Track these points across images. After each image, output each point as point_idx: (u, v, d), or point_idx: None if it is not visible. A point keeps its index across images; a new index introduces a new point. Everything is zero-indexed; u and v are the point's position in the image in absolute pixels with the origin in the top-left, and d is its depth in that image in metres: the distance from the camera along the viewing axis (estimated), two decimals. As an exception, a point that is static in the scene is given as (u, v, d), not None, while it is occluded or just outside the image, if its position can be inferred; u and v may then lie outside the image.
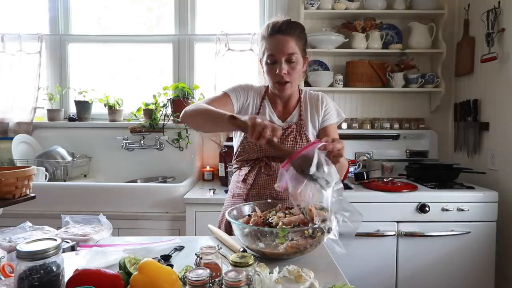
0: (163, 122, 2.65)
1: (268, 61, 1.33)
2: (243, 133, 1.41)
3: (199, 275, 0.71)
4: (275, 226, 1.05)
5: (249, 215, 1.16)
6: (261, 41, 1.38)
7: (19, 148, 2.50)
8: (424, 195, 2.05)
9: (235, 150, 1.48)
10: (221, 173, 2.45)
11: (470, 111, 2.40)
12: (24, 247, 0.71)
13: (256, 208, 1.18)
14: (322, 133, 1.43)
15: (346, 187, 2.17)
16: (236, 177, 1.47)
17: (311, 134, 1.42)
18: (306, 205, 1.01)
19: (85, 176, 2.67)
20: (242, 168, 1.45)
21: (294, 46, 1.32)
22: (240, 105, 1.42)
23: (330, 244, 0.94)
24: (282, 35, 1.31)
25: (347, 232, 0.93)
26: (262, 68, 1.41)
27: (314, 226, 0.99)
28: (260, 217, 1.12)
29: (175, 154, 2.66)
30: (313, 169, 0.94)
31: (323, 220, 0.98)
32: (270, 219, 1.09)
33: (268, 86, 1.46)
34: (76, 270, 0.77)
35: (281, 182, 1.01)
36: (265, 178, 1.37)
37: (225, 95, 1.39)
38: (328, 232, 0.94)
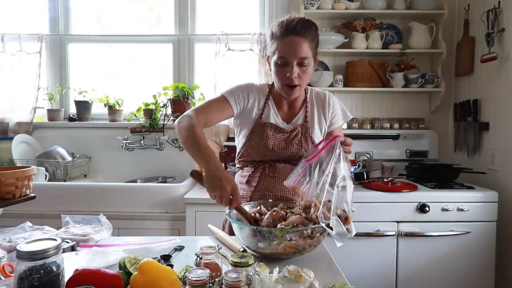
0: (163, 122, 2.65)
1: (279, 62, 1.27)
2: (245, 135, 1.38)
3: (199, 275, 0.71)
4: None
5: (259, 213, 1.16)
6: (271, 39, 1.31)
7: (19, 148, 2.50)
8: (424, 195, 2.05)
9: (237, 149, 1.45)
10: (221, 173, 2.44)
11: (470, 111, 2.40)
12: (24, 247, 0.71)
13: (262, 206, 1.18)
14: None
15: (346, 187, 2.17)
16: (239, 178, 1.43)
17: (317, 136, 1.38)
18: (311, 199, 1.01)
19: (85, 176, 2.67)
20: (244, 168, 1.42)
21: (307, 50, 1.26)
22: (241, 108, 1.36)
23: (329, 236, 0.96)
24: (296, 36, 1.24)
25: (340, 233, 0.94)
26: (269, 66, 1.35)
27: (314, 227, 0.99)
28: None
29: (175, 154, 2.66)
30: (332, 164, 0.99)
31: (326, 217, 0.98)
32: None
33: (271, 85, 1.41)
34: (76, 270, 0.77)
35: (291, 179, 1.03)
36: (269, 180, 1.34)
37: (224, 98, 1.34)
38: (330, 228, 0.95)
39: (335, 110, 1.42)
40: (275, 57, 1.28)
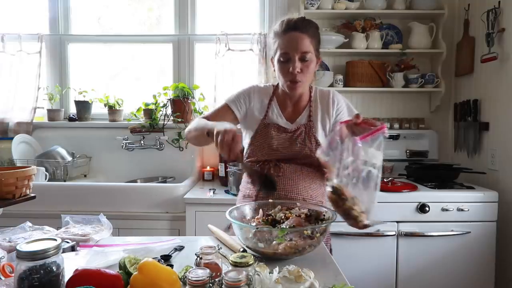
0: (163, 122, 2.65)
1: (281, 59, 1.30)
2: (250, 135, 1.41)
3: (199, 275, 0.71)
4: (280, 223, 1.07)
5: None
6: (273, 38, 1.34)
7: (19, 148, 2.50)
8: (424, 195, 2.05)
9: (245, 150, 1.47)
10: (221, 173, 2.44)
11: (470, 111, 2.40)
12: (24, 247, 0.71)
13: (261, 210, 1.18)
14: None
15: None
16: (246, 178, 1.46)
17: (320, 135, 1.38)
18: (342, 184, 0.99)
19: (85, 176, 2.67)
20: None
21: (308, 45, 1.29)
22: (244, 111, 1.41)
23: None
24: (297, 32, 1.28)
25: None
26: (273, 66, 1.38)
27: (314, 227, 0.99)
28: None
29: (175, 154, 2.65)
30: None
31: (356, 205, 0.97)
32: (276, 216, 1.12)
33: (276, 86, 1.43)
34: (76, 270, 0.77)
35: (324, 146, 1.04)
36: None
37: (226, 106, 1.41)
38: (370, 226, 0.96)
39: (341, 107, 1.42)
40: (277, 55, 1.31)
